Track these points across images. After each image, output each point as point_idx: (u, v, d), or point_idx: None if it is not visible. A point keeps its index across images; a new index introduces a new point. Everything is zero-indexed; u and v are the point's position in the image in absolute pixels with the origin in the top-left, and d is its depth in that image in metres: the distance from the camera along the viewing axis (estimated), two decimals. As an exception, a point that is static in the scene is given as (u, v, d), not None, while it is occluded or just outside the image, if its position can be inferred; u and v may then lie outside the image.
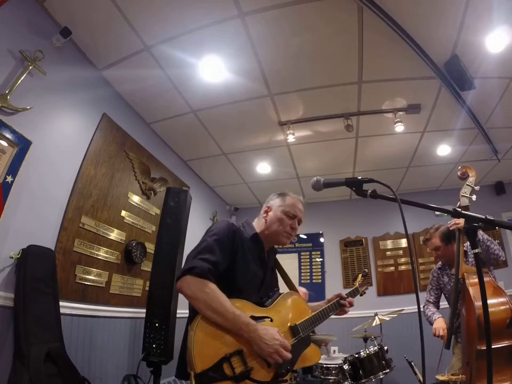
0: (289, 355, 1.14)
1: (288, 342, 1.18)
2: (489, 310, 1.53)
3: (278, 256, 1.58)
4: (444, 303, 2.38)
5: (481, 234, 1.96)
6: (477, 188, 1.73)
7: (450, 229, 1.93)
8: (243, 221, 1.50)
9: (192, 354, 1.02)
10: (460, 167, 1.87)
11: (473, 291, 1.59)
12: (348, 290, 1.65)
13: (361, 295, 1.69)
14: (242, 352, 1.10)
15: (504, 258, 1.96)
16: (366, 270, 1.94)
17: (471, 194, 1.72)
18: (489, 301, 1.56)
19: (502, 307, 1.53)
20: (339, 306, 1.51)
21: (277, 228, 1.41)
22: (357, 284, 1.72)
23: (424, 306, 2.42)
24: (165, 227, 2.56)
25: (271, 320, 1.23)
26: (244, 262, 1.30)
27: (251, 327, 1.11)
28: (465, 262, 1.87)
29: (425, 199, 1.12)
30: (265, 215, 1.47)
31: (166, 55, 2.58)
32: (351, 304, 1.55)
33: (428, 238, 2.37)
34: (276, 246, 1.53)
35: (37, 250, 2.00)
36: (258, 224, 1.48)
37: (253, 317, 1.16)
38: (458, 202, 1.72)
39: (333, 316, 1.51)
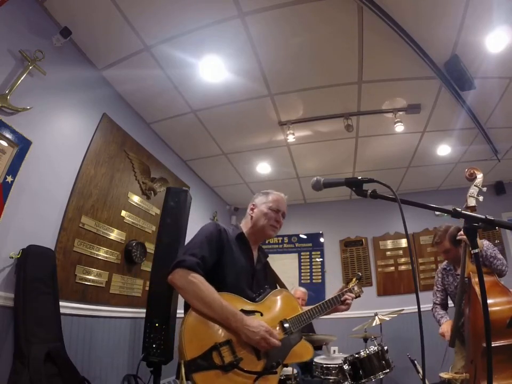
0: (277, 342, 1.18)
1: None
2: (495, 308, 1.56)
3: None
4: (452, 303, 2.37)
5: (484, 250, 1.93)
6: (484, 189, 1.72)
7: (457, 238, 1.91)
8: (233, 225, 1.65)
9: (183, 342, 1.06)
10: (467, 168, 1.84)
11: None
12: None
13: (356, 297, 1.65)
14: (231, 342, 1.13)
15: (506, 271, 1.93)
16: (360, 273, 1.87)
17: (478, 195, 1.71)
18: (495, 300, 1.58)
19: (508, 306, 1.55)
20: (338, 301, 1.53)
21: (263, 222, 1.52)
22: (350, 286, 1.68)
23: (432, 309, 2.41)
24: (165, 227, 2.55)
25: (261, 315, 1.27)
26: (231, 258, 1.39)
27: (238, 317, 1.16)
28: (471, 262, 1.87)
29: (425, 199, 1.12)
30: (251, 212, 1.59)
31: (166, 55, 2.58)
32: (351, 298, 1.58)
33: (439, 241, 2.32)
34: (268, 249, 1.56)
35: (37, 250, 2.00)
36: (245, 223, 1.59)
37: (242, 311, 1.20)
38: (466, 203, 1.70)
39: (333, 315, 1.52)
